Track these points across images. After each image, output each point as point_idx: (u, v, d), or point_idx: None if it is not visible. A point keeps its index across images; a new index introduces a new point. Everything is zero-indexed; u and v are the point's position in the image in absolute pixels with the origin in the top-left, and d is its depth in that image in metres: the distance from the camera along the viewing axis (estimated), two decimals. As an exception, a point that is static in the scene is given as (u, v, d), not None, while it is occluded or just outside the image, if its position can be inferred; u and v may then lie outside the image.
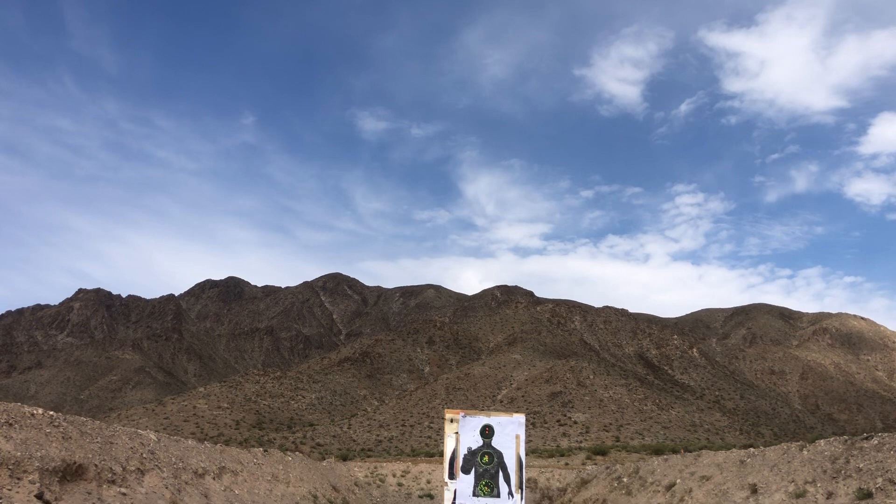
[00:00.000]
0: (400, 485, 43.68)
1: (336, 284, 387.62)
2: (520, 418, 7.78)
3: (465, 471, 7.49)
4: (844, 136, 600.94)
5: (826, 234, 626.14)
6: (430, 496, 40.71)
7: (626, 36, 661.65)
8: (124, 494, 15.17)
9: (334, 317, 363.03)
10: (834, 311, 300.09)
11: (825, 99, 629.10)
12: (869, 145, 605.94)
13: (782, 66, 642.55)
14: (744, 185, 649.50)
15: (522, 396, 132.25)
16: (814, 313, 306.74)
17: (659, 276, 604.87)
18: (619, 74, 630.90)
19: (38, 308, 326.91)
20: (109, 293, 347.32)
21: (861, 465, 15.12)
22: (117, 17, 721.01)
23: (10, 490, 12.07)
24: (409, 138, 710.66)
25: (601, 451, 68.34)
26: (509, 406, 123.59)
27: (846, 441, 16.81)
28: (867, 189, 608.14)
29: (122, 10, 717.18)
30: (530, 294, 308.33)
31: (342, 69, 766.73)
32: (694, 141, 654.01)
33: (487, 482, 7.47)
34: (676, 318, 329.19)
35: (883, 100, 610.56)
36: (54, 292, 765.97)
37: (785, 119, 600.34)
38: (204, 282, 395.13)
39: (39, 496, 12.49)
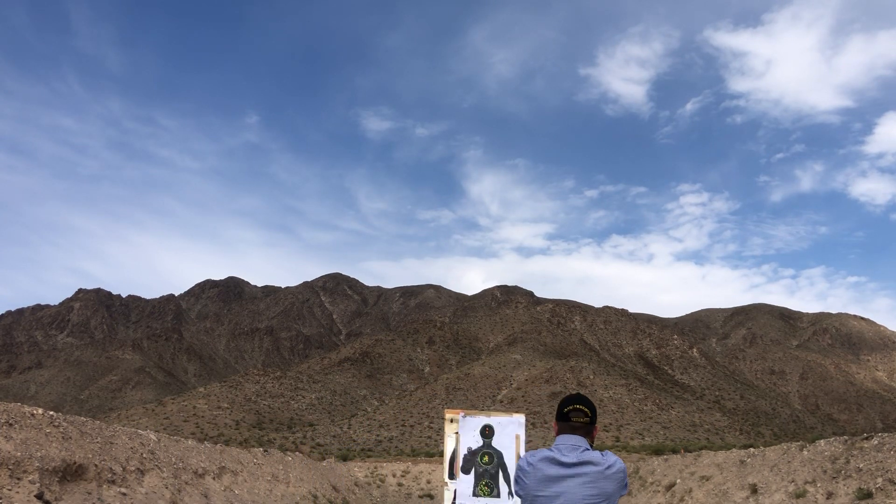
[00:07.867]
0: (400, 485, 43.69)
1: (336, 284, 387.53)
2: (520, 418, 7.77)
3: (465, 471, 7.48)
4: (850, 136, 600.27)
5: (830, 233, 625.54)
6: (430, 496, 40.71)
7: (632, 35, 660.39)
8: (124, 494, 15.17)
9: (334, 317, 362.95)
10: (834, 312, 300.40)
11: (831, 98, 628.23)
12: (874, 145, 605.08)
13: (788, 66, 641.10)
14: (748, 184, 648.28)
15: (522, 396, 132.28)
16: (814, 313, 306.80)
17: (662, 276, 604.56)
18: (625, 74, 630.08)
19: (38, 308, 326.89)
20: (109, 293, 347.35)
21: (861, 465, 15.11)
22: (122, 16, 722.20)
23: (10, 490, 12.06)
24: (414, 138, 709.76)
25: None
26: (509, 406, 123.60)
27: (846, 441, 16.80)
28: (872, 189, 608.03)
29: (127, 9, 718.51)
30: (530, 294, 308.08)
31: (347, 68, 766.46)
32: (699, 140, 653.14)
33: (487, 482, 7.47)
34: (677, 318, 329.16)
35: (888, 99, 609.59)
36: (56, 292, 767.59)
37: (790, 119, 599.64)
38: (204, 282, 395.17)
39: (39, 496, 12.49)
